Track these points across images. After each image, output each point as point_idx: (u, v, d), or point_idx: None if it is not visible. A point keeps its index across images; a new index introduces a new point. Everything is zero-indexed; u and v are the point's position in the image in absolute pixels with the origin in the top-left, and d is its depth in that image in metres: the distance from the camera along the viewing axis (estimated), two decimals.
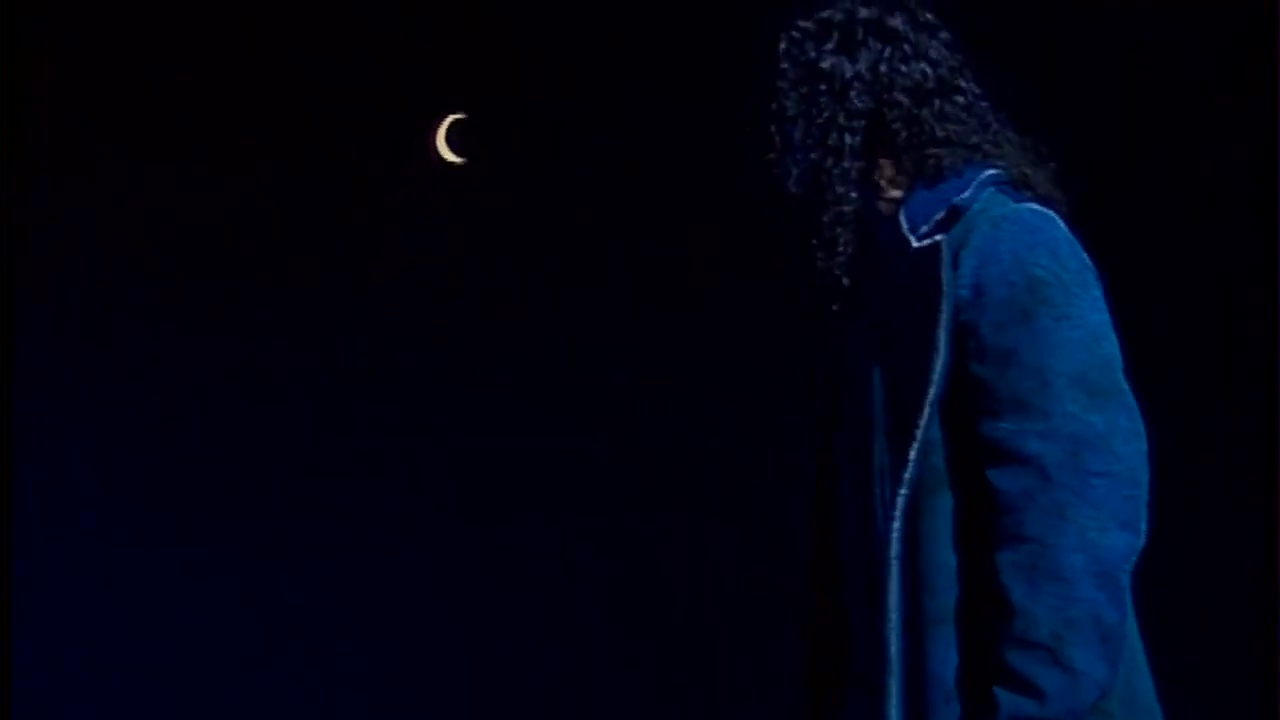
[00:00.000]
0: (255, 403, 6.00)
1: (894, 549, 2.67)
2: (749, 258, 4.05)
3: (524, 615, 5.88)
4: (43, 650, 5.91)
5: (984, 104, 2.84)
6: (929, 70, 2.82)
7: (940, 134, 2.79)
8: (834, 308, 2.84)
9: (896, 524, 2.67)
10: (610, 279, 5.85)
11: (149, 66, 5.92)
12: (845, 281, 2.81)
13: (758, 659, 4.52)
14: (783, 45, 2.87)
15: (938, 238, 2.71)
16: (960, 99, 2.82)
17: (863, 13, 2.86)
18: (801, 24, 2.88)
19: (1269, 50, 4.84)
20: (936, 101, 2.81)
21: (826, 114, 2.82)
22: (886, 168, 2.82)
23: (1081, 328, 2.64)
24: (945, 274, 2.67)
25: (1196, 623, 4.89)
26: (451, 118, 6.05)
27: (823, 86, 2.82)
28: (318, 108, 5.94)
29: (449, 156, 6.05)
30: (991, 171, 2.77)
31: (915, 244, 2.73)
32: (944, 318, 2.66)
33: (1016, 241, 2.68)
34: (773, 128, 2.85)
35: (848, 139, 2.80)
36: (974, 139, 2.80)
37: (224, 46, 5.94)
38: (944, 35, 2.87)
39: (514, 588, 5.88)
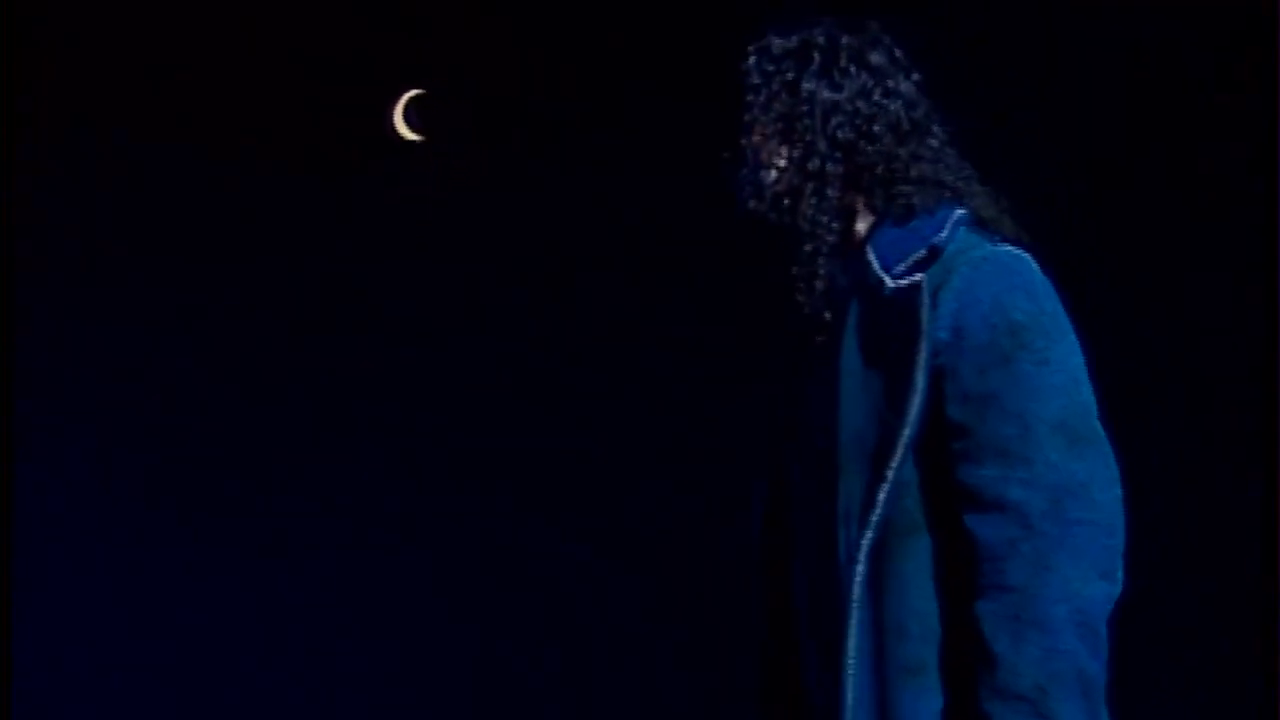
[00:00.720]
0: (255, 403, 5.99)
1: (855, 592, 2.63)
2: (750, 256, 4.04)
3: (524, 615, 5.87)
4: (43, 650, 5.91)
5: (951, 149, 2.83)
6: (904, 110, 2.81)
7: (914, 173, 2.78)
8: (817, 339, 2.79)
9: (860, 567, 2.63)
10: (610, 278, 5.83)
11: (147, 66, 5.92)
12: (826, 315, 2.77)
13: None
14: (753, 59, 2.85)
15: (917, 277, 2.67)
16: (933, 141, 2.82)
17: (845, 40, 2.84)
18: (780, 41, 2.85)
19: (1269, 50, 4.83)
20: (912, 141, 2.80)
21: (807, 138, 2.79)
22: (855, 201, 2.80)
23: (1061, 373, 2.63)
24: (925, 314, 2.64)
25: (1196, 623, 4.89)
26: (410, 93, 5.99)
27: (804, 109, 2.80)
28: (316, 108, 5.94)
29: (407, 134, 6.00)
30: (962, 211, 2.75)
31: (891, 283, 2.69)
32: (922, 358, 2.63)
33: (996, 284, 2.66)
34: (742, 141, 2.83)
35: (829, 167, 2.78)
36: (946, 178, 2.79)
37: (227, 48, 5.94)
38: (915, 77, 2.86)
39: (514, 588, 5.88)
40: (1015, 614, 2.54)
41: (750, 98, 2.83)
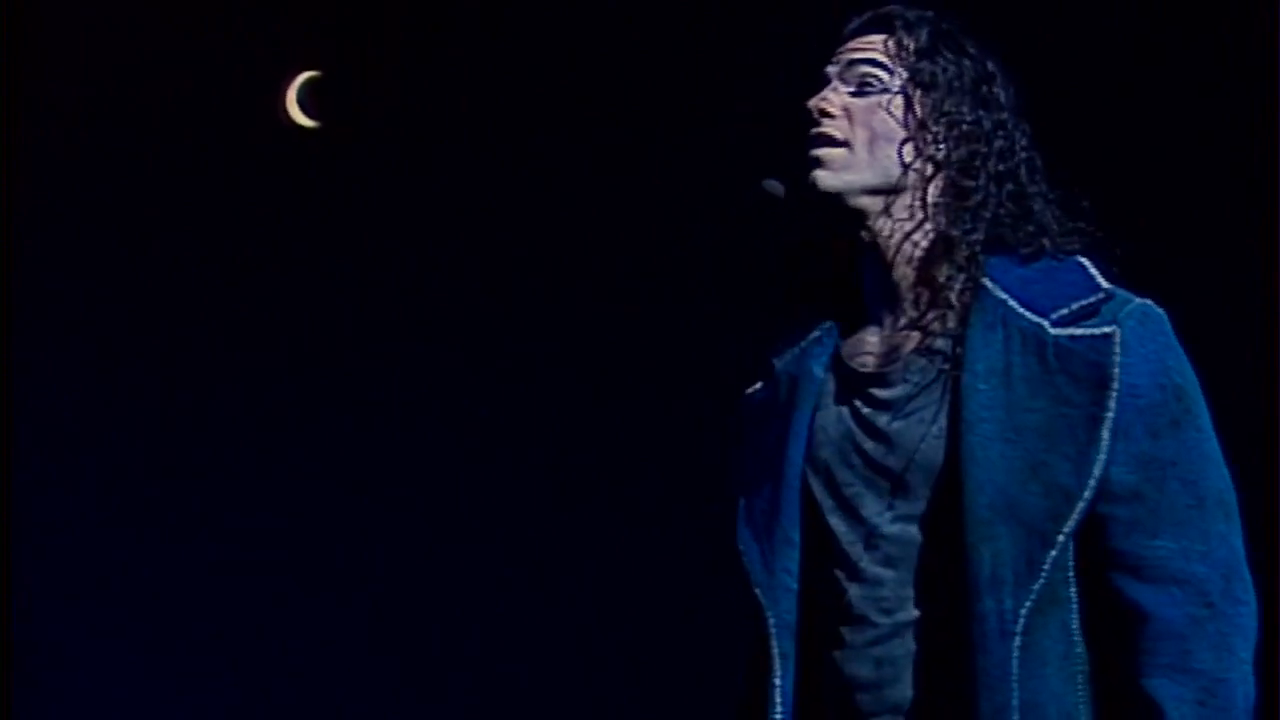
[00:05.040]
0: (256, 404, 5.99)
1: (1015, 670, 2.45)
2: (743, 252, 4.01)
3: (524, 615, 5.85)
4: (43, 650, 5.91)
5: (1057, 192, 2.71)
6: (1032, 149, 2.70)
7: (1045, 215, 2.64)
8: (952, 369, 2.57)
9: (1018, 640, 2.45)
10: (604, 277, 5.80)
11: (146, 65, 5.92)
12: (958, 350, 2.57)
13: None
14: (924, 39, 2.67)
15: (1109, 329, 2.52)
16: (1046, 185, 2.69)
17: (990, 65, 2.70)
18: (931, 36, 2.67)
19: (1269, 50, 4.83)
20: (1040, 183, 2.67)
21: (977, 147, 2.63)
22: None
23: (1211, 442, 2.55)
24: (1118, 369, 2.50)
25: None
26: (305, 75, 5.83)
27: (977, 115, 2.65)
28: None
29: (301, 120, 5.86)
30: (1088, 260, 2.62)
31: (1056, 330, 2.53)
32: (1111, 416, 2.48)
33: (1157, 341, 2.54)
34: (851, 103, 2.64)
35: (992, 189, 2.62)
36: (1069, 224, 2.66)
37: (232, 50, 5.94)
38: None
39: (513, 588, 5.86)
40: (1202, 700, 2.44)
41: (923, 77, 2.64)
